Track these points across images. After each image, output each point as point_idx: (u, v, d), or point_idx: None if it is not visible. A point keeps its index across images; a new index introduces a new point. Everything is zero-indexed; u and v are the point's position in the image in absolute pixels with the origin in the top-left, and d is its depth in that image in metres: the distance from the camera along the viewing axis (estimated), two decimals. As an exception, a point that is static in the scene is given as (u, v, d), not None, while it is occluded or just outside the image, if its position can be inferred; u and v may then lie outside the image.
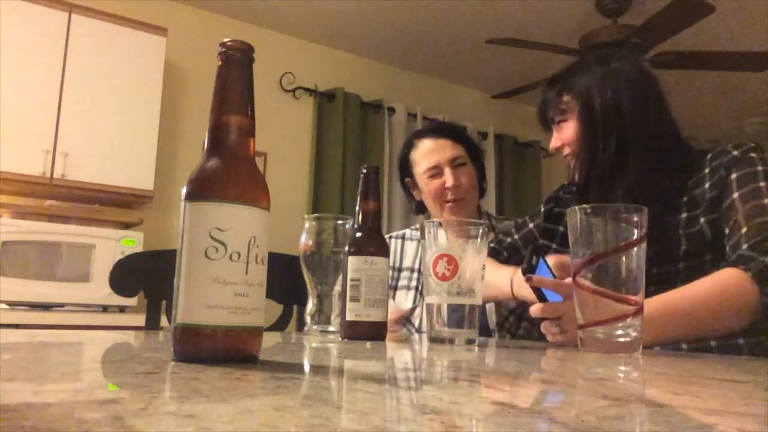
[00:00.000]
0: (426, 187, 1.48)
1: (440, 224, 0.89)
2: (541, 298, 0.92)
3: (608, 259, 0.77)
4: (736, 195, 0.98)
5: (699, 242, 1.01)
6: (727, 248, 0.97)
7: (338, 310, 1.00)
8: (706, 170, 1.04)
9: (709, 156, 1.05)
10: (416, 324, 1.45)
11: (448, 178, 1.42)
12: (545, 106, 1.16)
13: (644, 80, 1.11)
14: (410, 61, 3.99)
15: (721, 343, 0.98)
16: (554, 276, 0.98)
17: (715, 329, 0.94)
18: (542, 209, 1.29)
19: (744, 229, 0.95)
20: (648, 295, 0.98)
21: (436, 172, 1.45)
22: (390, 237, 1.59)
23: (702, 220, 1.01)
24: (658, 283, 1.01)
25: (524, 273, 0.92)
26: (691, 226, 1.02)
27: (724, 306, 0.90)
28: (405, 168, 1.55)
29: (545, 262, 1.00)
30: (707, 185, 1.03)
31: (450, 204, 1.43)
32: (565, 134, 1.13)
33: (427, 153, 1.47)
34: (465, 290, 0.83)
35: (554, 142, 1.16)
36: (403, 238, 1.59)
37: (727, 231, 0.98)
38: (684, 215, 1.03)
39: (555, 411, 0.33)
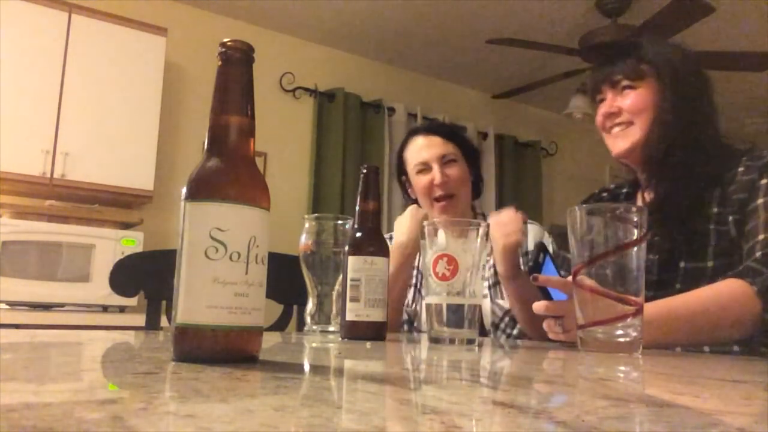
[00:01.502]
0: (416, 183, 1.49)
1: (440, 224, 0.89)
2: (546, 296, 0.92)
3: (608, 259, 0.76)
4: (760, 201, 0.98)
5: (727, 241, 1.00)
6: (744, 252, 0.97)
7: (338, 310, 1.00)
8: (740, 169, 1.03)
9: (744, 157, 1.05)
10: (415, 324, 1.45)
11: (436, 174, 1.43)
12: (614, 70, 1.12)
13: (700, 67, 1.13)
14: (410, 61, 3.99)
15: (715, 349, 0.98)
16: (560, 274, 0.99)
17: (713, 338, 0.95)
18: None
19: (760, 237, 0.95)
20: (674, 292, 0.98)
21: (423, 167, 1.46)
22: (391, 237, 1.57)
23: (730, 219, 1.00)
24: (685, 280, 1.01)
25: (530, 272, 0.92)
26: (722, 224, 1.01)
27: (725, 317, 0.90)
28: (400, 166, 1.57)
29: (552, 260, 1.00)
30: (738, 185, 1.02)
31: (440, 203, 1.44)
32: (629, 101, 1.10)
33: (417, 150, 1.49)
34: (465, 290, 0.83)
35: (609, 107, 1.13)
36: None
37: (745, 235, 0.98)
38: (715, 209, 1.02)
39: (555, 411, 0.33)
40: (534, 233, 1.46)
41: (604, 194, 1.30)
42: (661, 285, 1.04)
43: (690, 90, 1.08)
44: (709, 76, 1.13)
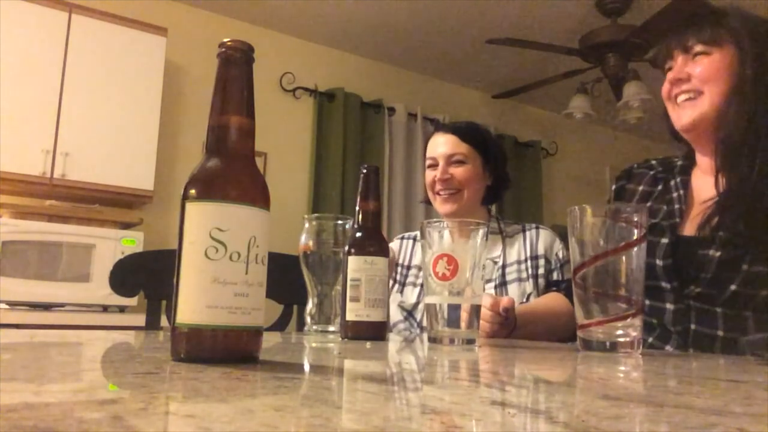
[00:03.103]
0: (425, 177, 1.57)
1: (440, 224, 0.89)
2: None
3: (608, 258, 0.76)
4: None
5: None
6: None
7: (338, 310, 1.00)
8: None
9: None
10: (418, 318, 1.47)
11: (439, 171, 1.49)
12: (687, 33, 1.02)
13: None
14: (410, 61, 3.99)
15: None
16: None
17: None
18: (613, 188, 1.19)
19: None
20: (727, 294, 0.92)
21: (432, 163, 1.53)
22: (402, 238, 1.66)
23: None
24: (745, 283, 0.92)
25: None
26: None
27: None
28: (424, 160, 1.65)
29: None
30: None
31: (441, 195, 1.50)
32: (700, 67, 1.00)
33: (432, 147, 1.55)
34: (465, 290, 0.83)
35: (677, 73, 1.02)
36: (414, 239, 1.65)
37: None
38: None
39: (555, 411, 0.33)
40: (544, 239, 1.47)
41: (654, 162, 1.19)
42: (714, 284, 0.95)
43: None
44: None
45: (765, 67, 0.97)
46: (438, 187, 1.49)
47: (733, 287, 0.92)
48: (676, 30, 1.06)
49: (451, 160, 1.49)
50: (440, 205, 1.49)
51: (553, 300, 1.22)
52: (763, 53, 0.97)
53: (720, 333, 0.95)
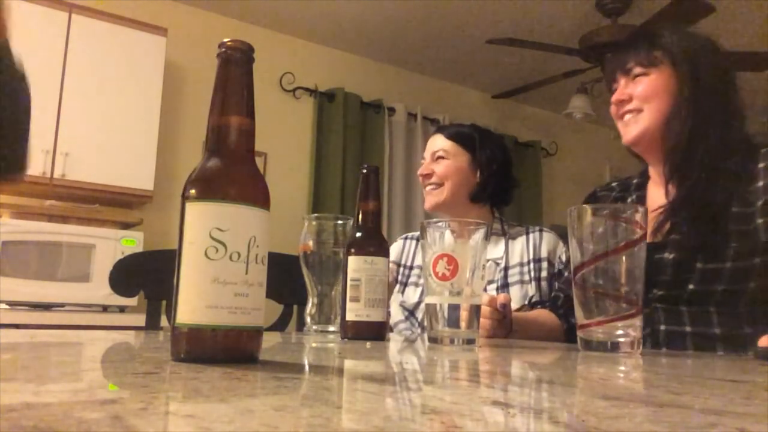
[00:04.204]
0: None
1: (441, 224, 0.89)
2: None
3: (608, 258, 0.76)
4: None
5: (751, 243, 0.97)
6: None
7: (338, 310, 1.00)
8: (761, 165, 1.00)
9: (763, 151, 1.02)
10: (419, 318, 1.47)
11: (422, 166, 1.59)
12: (627, 56, 1.11)
13: (725, 59, 1.12)
14: (410, 61, 3.99)
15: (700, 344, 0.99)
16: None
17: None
18: None
19: None
20: (686, 293, 0.98)
21: (423, 160, 1.62)
22: (405, 238, 1.69)
23: (760, 221, 0.97)
24: (701, 281, 0.98)
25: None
26: (744, 224, 0.97)
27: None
28: None
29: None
30: (762, 183, 0.99)
31: (425, 190, 1.58)
32: (641, 88, 1.09)
33: (427, 145, 1.65)
34: (465, 290, 0.83)
35: (619, 95, 1.11)
36: (417, 239, 1.66)
37: None
38: (735, 209, 0.99)
39: (555, 411, 0.33)
40: (548, 242, 1.47)
41: (614, 184, 1.28)
42: (674, 285, 1.01)
43: (710, 79, 1.05)
44: (731, 67, 1.11)
45: (699, 84, 1.05)
46: (422, 181, 1.59)
47: (691, 286, 0.98)
48: (617, 53, 1.15)
49: (434, 157, 1.57)
50: (426, 200, 1.58)
51: (545, 314, 1.26)
52: (697, 71, 1.05)
53: (688, 329, 1.00)
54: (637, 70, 1.09)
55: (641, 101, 1.09)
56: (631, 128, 1.10)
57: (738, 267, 0.97)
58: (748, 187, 1.00)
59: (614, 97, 1.13)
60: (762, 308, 0.97)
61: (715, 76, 1.07)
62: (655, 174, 1.16)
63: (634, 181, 1.24)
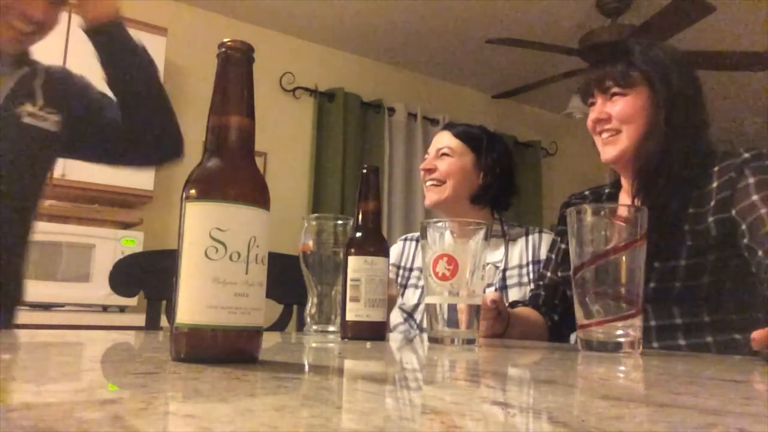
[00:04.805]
0: None
1: (441, 225, 0.89)
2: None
3: (608, 258, 0.76)
4: (755, 197, 0.98)
5: (704, 241, 1.01)
6: (747, 240, 0.97)
7: (338, 310, 1.00)
8: (715, 169, 1.05)
9: (718, 157, 1.06)
10: (418, 320, 1.47)
11: (426, 161, 1.58)
12: (604, 74, 1.13)
13: (693, 71, 1.14)
14: (410, 61, 3.99)
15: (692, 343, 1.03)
16: None
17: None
18: (558, 220, 1.31)
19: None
20: (649, 291, 1.00)
21: (427, 156, 1.61)
22: (405, 239, 1.68)
23: (710, 219, 1.01)
24: (659, 279, 1.03)
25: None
26: (698, 223, 1.02)
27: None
28: None
29: None
30: (715, 184, 1.03)
31: (426, 186, 1.57)
32: (618, 108, 1.11)
33: (431, 143, 1.64)
34: (465, 290, 0.83)
35: (598, 114, 1.13)
36: (417, 240, 1.65)
37: (744, 227, 0.98)
38: (691, 210, 1.04)
39: (555, 411, 0.33)
40: (547, 243, 1.47)
41: (587, 192, 1.33)
42: None
43: (682, 98, 1.09)
44: (698, 77, 1.14)
45: (674, 102, 1.08)
46: (423, 176, 1.57)
47: (652, 284, 1.01)
48: (594, 69, 1.17)
49: (438, 153, 1.56)
50: (426, 196, 1.57)
51: (531, 311, 1.26)
52: (671, 89, 1.08)
53: (653, 323, 1.05)
54: (615, 89, 1.12)
55: (620, 122, 1.11)
56: (610, 148, 1.14)
57: (692, 263, 1.02)
58: (703, 189, 1.04)
59: (593, 116, 1.15)
60: (717, 300, 1.03)
61: (688, 91, 1.10)
62: (627, 185, 1.20)
63: (606, 190, 1.28)
